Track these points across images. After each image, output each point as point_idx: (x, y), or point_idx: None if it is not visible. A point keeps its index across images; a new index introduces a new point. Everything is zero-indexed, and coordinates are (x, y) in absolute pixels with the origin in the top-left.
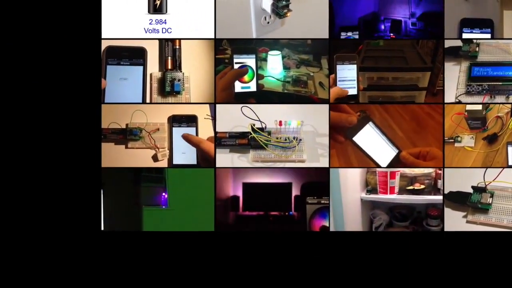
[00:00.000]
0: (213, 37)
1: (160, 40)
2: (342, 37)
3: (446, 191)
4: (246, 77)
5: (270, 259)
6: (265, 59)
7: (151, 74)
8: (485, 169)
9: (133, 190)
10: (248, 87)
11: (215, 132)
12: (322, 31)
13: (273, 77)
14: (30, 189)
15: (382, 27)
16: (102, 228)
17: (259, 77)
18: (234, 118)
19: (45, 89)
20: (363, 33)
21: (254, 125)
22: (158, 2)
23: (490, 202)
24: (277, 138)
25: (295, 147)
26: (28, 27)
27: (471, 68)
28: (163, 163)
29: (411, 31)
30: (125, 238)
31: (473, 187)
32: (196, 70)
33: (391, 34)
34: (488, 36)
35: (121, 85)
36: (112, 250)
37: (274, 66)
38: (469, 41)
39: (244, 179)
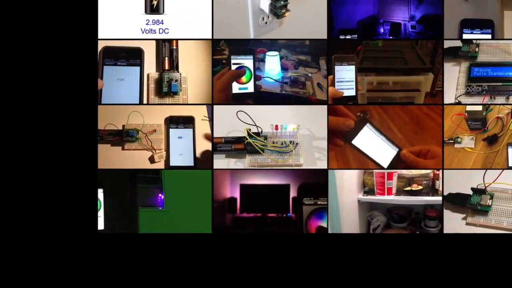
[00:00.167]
0: (210, 37)
1: (157, 40)
2: (342, 38)
3: (445, 193)
4: (243, 78)
5: (267, 261)
6: (263, 60)
7: (148, 75)
8: (484, 170)
9: (129, 191)
10: (246, 88)
11: (212, 133)
12: (320, 31)
13: (271, 78)
14: (26, 191)
15: (382, 30)
16: (103, 228)
17: (257, 78)
18: (231, 119)
19: (41, 90)
20: (362, 36)
21: (250, 129)
22: (155, 2)
23: (490, 204)
24: (273, 143)
25: (292, 151)
26: (24, 27)
27: (470, 69)
28: (160, 165)
29: (410, 34)
30: (121, 240)
31: (472, 188)
32: (193, 70)
33: (391, 37)
34: (489, 36)
35: (118, 85)
36: (108, 252)
37: (272, 67)
38: (468, 41)
39: (241, 181)
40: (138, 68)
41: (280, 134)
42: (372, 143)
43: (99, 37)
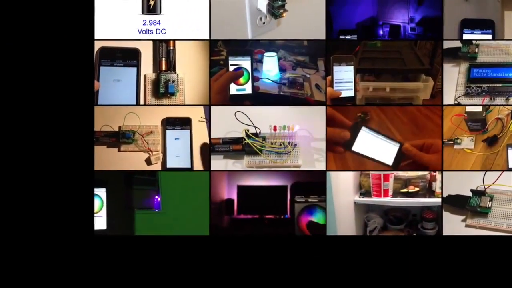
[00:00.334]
0: (208, 38)
1: (154, 41)
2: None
3: (444, 195)
4: (241, 79)
5: (265, 263)
6: (260, 61)
7: (145, 76)
8: (484, 172)
9: (125, 193)
10: (243, 89)
11: (210, 135)
12: (318, 32)
13: (268, 79)
14: (22, 192)
15: (381, 32)
16: (105, 228)
17: (255, 79)
18: (229, 120)
19: (37, 91)
20: (361, 38)
21: (248, 130)
22: (152, 3)
23: (489, 205)
24: (271, 144)
25: (290, 152)
26: (20, 28)
27: (470, 70)
28: (157, 167)
29: (410, 36)
30: (117, 242)
31: (472, 190)
32: (190, 71)
33: (390, 40)
34: (489, 37)
35: (115, 86)
36: (104, 254)
37: (270, 67)
38: (468, 42)
39: (238, 182)
40: (135, 69)
41: (279, 135)
42: (372, 144)
43: (95, 38)
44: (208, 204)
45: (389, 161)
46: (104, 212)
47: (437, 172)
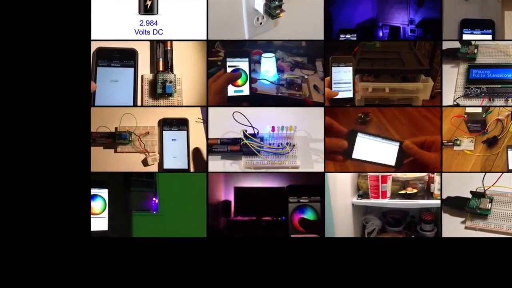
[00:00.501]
0: (205, 38)
1: (152, 41)
2: (341, 39)
3: (444, 196)
4: (239, 81)
5: (262, 265)
6: (258, 62)
7: (142, 76)
8: (484, 173)
9: (123, 194)
10: (241, 91)
11: (207, 136)
12: (317, 32)
13: (266, 80)
14: (18, 194)
15: (380, 33)
16: (107, 229)
17: (252, 80)
18: (226, 121)
19: (33, 92)
20: (360, 39)
21: (246, 131)
22: (149, 3)
23: (489, 207)
24: (269, 144)
25: (289, 153)
26: (16, 28)
27: (469, 70)
28: (154, 168)
29: (409, 37)
30: (114, 244)
31: (471, 192)
32: (188, 72)
33: (389, 40)
34: (489, 37)
35: (112, 87)
36: (101, 257)
37: (268, 68)
38: (467, 42)
39: (235, 183)
40: (132, 69)
41: (277, 136)
42: (371, 148)
43: (92, 38)
44: (206, 206)
45: (391, 161)
46: (106, 213)
47: (435, 174)
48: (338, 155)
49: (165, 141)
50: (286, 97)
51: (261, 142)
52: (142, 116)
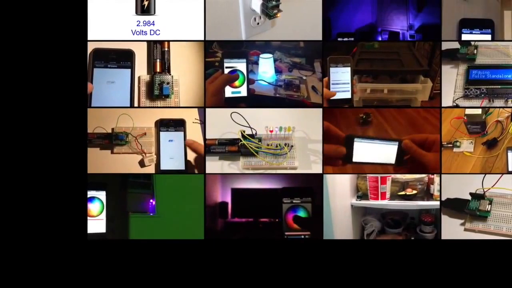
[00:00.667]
0: (202, 39)
1: (148, 42)
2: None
3: (443, 198)
4: (236, 82)
5: (260, 267)
6: (256, 62)
7: (139, 77)
8: (484, 175)
9: (119, 196)
10: (239, 92)
11: (204, 137)
12: (315, 33)
13: (264, 81)
14: (14, 195)
15: (379, 39)
16: (105, 232)
17: (250, 81)
18: (224, 122)
19: (30, 93)
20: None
21: (244, 131)
22: (146, 3)
23: (488, 209)
24: (268, 145)
25: (287, 154)
26: (12, 29)
27: (469, 71)
28: (150, 169)
29: None
30: (111, 246)
31: (471, 193)
32: (185, 73)
33: (387, 40)
34: (489, 37)
35: (109, 88)
36: (98, 259)
37: (266, 69)
38: (467, 43)
39: (233, 185)
40: (129, 70)
41: (275, 136)
42: (370, 151)
43: (88, 39)
44: (203, 208)
45: (391, 161)
46: (104, 215)
47: (435, 175)
48: (338, 161)
49: (162, 142)
50: (284, 98)
51: (259, 143)
52: (138, 117)
